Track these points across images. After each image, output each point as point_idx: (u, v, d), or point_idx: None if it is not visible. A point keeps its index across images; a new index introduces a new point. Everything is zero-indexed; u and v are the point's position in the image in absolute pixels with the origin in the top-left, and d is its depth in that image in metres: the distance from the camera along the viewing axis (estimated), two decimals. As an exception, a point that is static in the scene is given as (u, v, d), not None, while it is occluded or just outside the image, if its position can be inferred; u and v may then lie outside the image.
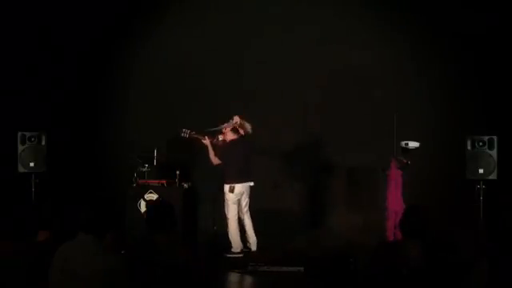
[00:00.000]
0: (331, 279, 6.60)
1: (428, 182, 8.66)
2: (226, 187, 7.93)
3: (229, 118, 8.06)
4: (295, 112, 9.39)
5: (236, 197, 7.93)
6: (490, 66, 8.84)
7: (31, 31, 9.10)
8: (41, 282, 3.97)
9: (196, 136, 8.04)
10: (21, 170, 8.33)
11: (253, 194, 8.16)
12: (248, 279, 7.02)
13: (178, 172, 7.91)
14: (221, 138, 8.07)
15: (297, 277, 6.90)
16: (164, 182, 8.00)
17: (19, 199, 8.18)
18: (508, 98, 8.78)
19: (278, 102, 9.37)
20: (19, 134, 8.36)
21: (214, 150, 8.03)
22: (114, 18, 9.42)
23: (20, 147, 8.34)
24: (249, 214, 8.11)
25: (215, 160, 8.02)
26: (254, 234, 8.06)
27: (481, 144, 8.07)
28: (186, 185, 7.94)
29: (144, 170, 8.01)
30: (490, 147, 8.05)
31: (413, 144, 7.98)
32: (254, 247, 8.05)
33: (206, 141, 8.01)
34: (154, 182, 7.99)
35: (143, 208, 7.70)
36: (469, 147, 8.10)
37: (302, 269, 7.02)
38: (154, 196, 7.75)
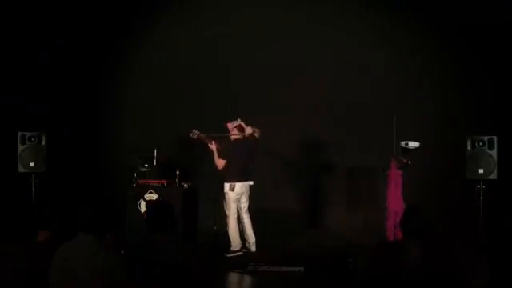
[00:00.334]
0: (331, 279, 6.60)
1: (428, 182, 8.66)
2: (227, 186, 7.95)
3: (233, 119, 8.14)
4: (295, 112, 9.38)
5: (236, 195, 7.96)
6: (490, 66, 8.84)
7: (31, 31, 9.10)
8: (41, 282, 3.97)
9: (204, 139, 8.06)
10: (21, 170, 8.33)
11: (253, 193, 8.17)
12: (248, 279, 7.01)
13: (177, 172, 7.91)
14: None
15: (297, 277, 6.90)
16: (164, 182, 8.00)
17: (19, 199, 8.18)
18: (508, 98, 8.79)
19: (278, 102, 9.37)
20: (19, 134, 8.35)
21: (219, 154, 8.05)
22: (113, 18, 9.42)
23: (20, 147, 8.33)
24: (248, 213, 8.12)
25: (220, 164, 8.01)
26: (253, 235, 8.07)
27: (481, 144, 8.07)
28: (186, 185, 7.94)
29: (144, 169, 8.00)
30: (490, 147, 8.04)
31: (413, 144, 7.97)
32: (253, 248, 8.05)
33: (213, 146, 8.04)
34: (154, 182, 7.99)
35: (143, 208, 7.70)
36: (469, 147, 8.10)
37: (302, 269, 7.02)
38: (153, 196, 7.75)
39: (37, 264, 4.09)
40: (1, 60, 8.96)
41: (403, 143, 7.97)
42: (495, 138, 8.06)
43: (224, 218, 8.08)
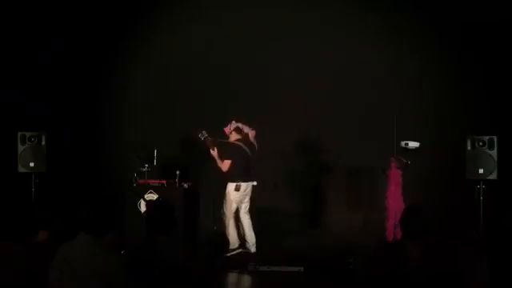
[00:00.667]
0: (331, 279, 6.60)
1: (428, 182, 8.66)
2: (232, 185, 7.97)
3: (228, 123, 8.15)
4: (295, 112, 9.38)
5: (240, 195, 7.98)
6: (490, 66, 8.85)
7: (31, 31, 9.10)
8: (41, 282, 3.97)
9: (208, 143, 8.07)
10: (21, 170, 8.32)
11: (253, 193, 8.17)
12: (248, 279, 7.02)
13: (177, 172, 7.90)
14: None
15: (297, 277, 6.90)
16: (164, 182, 7.99)
17: (19, 199, 8.18)
18: (508, 98, 8.79)
19: (278, 102, 9.37)
20: (19, 134, 8.35)
21: (220, 158, 8.06)
22: (113, 18, 9.42)
23: (20, 147, 8.33)
24: (249, 214, 8.13)
25: (226, 166, 8.01)
26: (253, 235, 8.07)
27: (481, 144, 8.07)
28: (186, 185, 7.93)
29: (144, 169, 7.99)
30: (490, 147, 8.04)
31: (413, 144, 7.97)
32: (253, 249, 8.05)
33: (214, 152, 8.05)
34: (154, 182, 7.98)
35: (143, 208, 7.69)
36: (469, 147, 8.10)
37: (301, 269, 7.02)
38: (154, 196, 7.75)
39: (37, 264, 4.09)
40: (1, 60, 8.95)
41: (403, 143, 7.97)
42: (495, 138, 8.06)
43: (222, 217, 8.07)
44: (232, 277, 7.07)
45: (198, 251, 7.66)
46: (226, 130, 8.15)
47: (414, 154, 8.00)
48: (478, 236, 7.78)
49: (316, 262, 7.11)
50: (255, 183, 8.11)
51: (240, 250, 7.99)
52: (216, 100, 9.41)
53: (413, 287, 3.90)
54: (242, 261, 7.46)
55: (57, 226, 4.55)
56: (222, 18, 9.55)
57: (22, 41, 9.07)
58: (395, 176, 8.08)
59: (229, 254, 7.84)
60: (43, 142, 8.37)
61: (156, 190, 7.82)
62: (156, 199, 7.44)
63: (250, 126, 8.17)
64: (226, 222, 8.04)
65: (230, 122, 8.15)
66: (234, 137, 8.13)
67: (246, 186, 8.04)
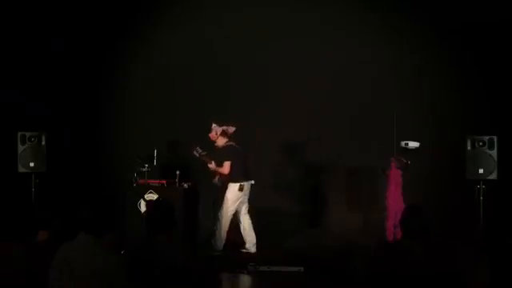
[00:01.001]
0: (331, 279, 6.60)
1: (428, 182, 8.66)
2: (235, 186, 7.95)
3: (209, 127, 8.11)
4: (295, 112, 9.38)
5: (242, 195, 7.98)
6: (490, 66, 8.85)
7: (31, 31, 9.10)
8: (41, 282, 3.97)
9: (204, 159, 8.07)
10: (21, 170, 8.33)
11: (253, 193, 8.18)
12: (248, 279, 7.02)
13: (177, 172, 7.90)
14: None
15: (297, 277, 6.91)
16: (164, 182, 7.99)
17: (19, 199, 8.18)
18: (508, 98, 8.79)
19: (278, 102, 9.38)
20: (19, 134, 8.35)
21: (218, 165, 8.03)
22: (113, 19, 9.42)
23: (20, 147, 8.33)
24: (248, 214, 8.13)
25: (227, 168, 7.98)
26: (254, 235, 8.06)
27: (481, 144, 8.07)
28: (186, 185, 7.93)
29: (144, 169, 7.99)
30: (490, 147, 8.05)
31: (413, 144, 7.98)
32: (253, 249, 8.05)
33: (212, 165, 8.04)
34: (154, 182, 7.98)
35: (143, 208, 7.69)
36: (469, 147, 8.11)
37: (301, 269, 7.02)
38: (154, 196, 7.74)
39: (37, 264, 4.09)
40: (1, 60, 8.95)
41: (403, 143, 7.97)
42: (495, 138, 8.06)
43: (220, 219, 8.01)
44: (232, 277, 7.07)
45: (198, 251, 7.66)
46: (212, 135, 8.08)
47: (414, 154, 8.00)
48: (478, 236, 7.79)
49: (316, 262, 7.11)
50: (253, 182, 8.11)
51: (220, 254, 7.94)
52: (216, 100, 9.41)
53: (413, 287, 3.90)
54: (242, 261, 7.46)
55: (57, 226, 4.55)
56: (222, 17, 9.55)
57: (22, 41, 9.07)
58: (395, 176, 8.08)
59: (216, 254, 7.81)
60: (43, 142, 8.38)
61: (156, 190, 7.82)
62: (156, 199, 7.44)
63: (228, 124, 8.11)
64: (223, 223, 7.98)
65: (212, 127, 8.08)
66: (222, 141, 8.09)
67: (248, 185, 8.05)
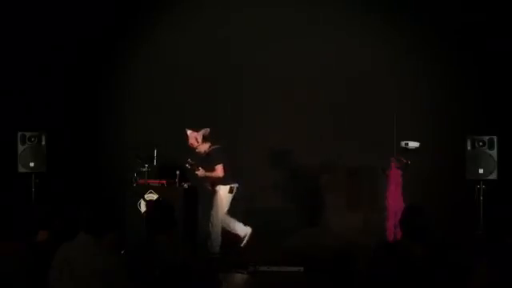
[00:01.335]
0: (331, 279, 6.60)
1: (428, 182, 8.66)
2: (226, 188, 7.92)
3: (186, 136, 8.04)
4: (295, 112, 9.38)
5: (230, 198, 7.95)
6: (490, 66, 8.84)
7: (31, 31, 9.10)
8: (41, 282, 3.97)
9: (194, 167, 8.02)
10: (21, 170, 8.33)
11: (253, 193, 8.18)
12: (248, 279, 7.02)
13: (177, 172, 7.90)
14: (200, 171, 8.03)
15: (297, 277, 6.91)
16: (164, 182, 7.99)
17: (19, 199, 8.18)
18: (508, 98, 8.78)
19: (278, 102, 9.37)
20: (19, 133, 8.35)
21: (209, 170, 7.97)
22: (113, 18, 9.42)
23: (20, 147, 8.33)
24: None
25: (220, 171, 7.95)
26: (241, 224, 7.99)
27: (481, 144, 8.07)
28: (186, 185, 7.93)
29: (144, 169, 7.99)
30: (490, 147, 8.05)
31: (413, 144, 7.97)
32: (249, 231, 7.97)
33: (201, 172, 7.99)
34: (154, 182, 7.98)
35: (143, 208, 7.69)
36: (469, 147, 8.11)
37: (301, 269, 7.02)
38: (154, 196, 7.74)
39: (37, 264, 4.09)
40: (1, 60, 8.95)
41: (403, 143, 7.97)
42: (495, 138, 8.06)
43: (213, 221, 7.97)
44: (232, 277, 7.07)
45: (198, 251, 7.66)
46: (193, 142, 7.97)
47: (414, 154, 8.00)
48: (478, 236, 7.79)
49: (316, 262, 7.11)
50: (237, 185, 8.06)
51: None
52: (216, 100, 9.41)
53: (413, 287, 3.90)
54: (242, 261, 7.46)
55: (57, 226, 4.55)
56: (222, 17, 9.54)
57: (22, 41, 9.06)
58: (395, 176, 8.08)
59: (213, 257, 7.80)
60: (43, 142, 8.37)
61: (156, 190, 7.81)
62: (156, 199, 7.44)
63: (200, 129, 8.02)
64: (217, 226, 7.92)
65: (188, 134, 7.99)
66: (205, 146, 8.02)
67: (235, 188, 8.01)
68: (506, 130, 8.43)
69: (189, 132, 8.03)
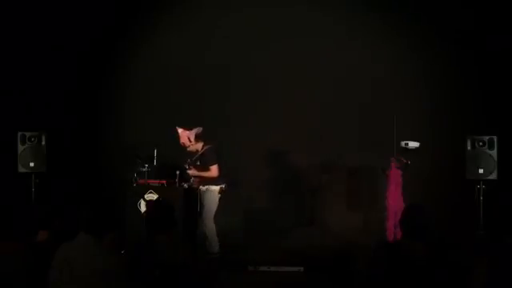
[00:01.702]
0: (331, 279, 6.61)
1: (428, 182, 8.66)
2: (216, 188, 7.84)
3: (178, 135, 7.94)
4: (295, 112, 9.38)
5: (219, 197, 7.87)
6: (490, 66, 8.85)
7: (31, 31, 9.10)
8: (41, 282, 3.97)
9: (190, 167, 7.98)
10: (21, 170, 8.33)
11: (253, 193, 8.17)
12: (248, 279, 7.02)
13: (177, 172, 7.89)
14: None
15: (297, 277, 6.91)
16: (164, 182, 7.99)
17: (19, 199, 8.18)
18: (508, 98, 8.79)
19: (278, 102, 9.38)
20: (19, 133, 8.35)
21: (202, 170, 7.90)
22: (113, 19, 9.42)
23: (20, 147, 8.33)
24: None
25: (215, 171, 7.89)
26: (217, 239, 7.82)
27: (481, 144, 8.07)
28: (185, 185, 7.92)
29: (144, 169, 7.99)
30: (490, 147, 8.05)
31: (413, 144, 7.97)
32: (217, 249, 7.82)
33: (193, 171, 7.91)
34: (154, 182, 7.98)
35: (143, 208, 7.68)
36: (469, 147, 8.11)
37: (301, 269, 7.02)
38: (154, 196, 7.74)
39: (37, 264, 4.09)
40: (1, 60, 8.95)
41: (403, 143, 7.97)
42: (495, 138, 8.06)
43: (206, 223, 7.92)
44: (232, 277, 7.07)
45: (198, 251, 7.65)
46: (185, 142, 7.87)
47: (414, 154, 8.00)
48: (478, 236, 7.79)
49: (316, 262, 7.11)
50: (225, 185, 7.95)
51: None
52: (215, 100, 9.41)
53: (413, 287, 3.90)
54: (242, 261, 7.46)
55: (57, 226, 4.55)
56: (222, 18, 9.54)
57: (22, 41, 9.06)
58: (395, 176, 8.08)
59: (216, 255, 7.77)
60: (43, 142, 8.37)
61: (156, 190, 7.81)
62: (156, 199, 7.44)
63: (192, 127, 7.92)
64: (211, 227, 7.80)
65: (179, 133, 7.89)
66: (198, 145, 7.94)
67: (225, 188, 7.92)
68: (506, 130, 8.43)
69: (180, 130, 7.92)
